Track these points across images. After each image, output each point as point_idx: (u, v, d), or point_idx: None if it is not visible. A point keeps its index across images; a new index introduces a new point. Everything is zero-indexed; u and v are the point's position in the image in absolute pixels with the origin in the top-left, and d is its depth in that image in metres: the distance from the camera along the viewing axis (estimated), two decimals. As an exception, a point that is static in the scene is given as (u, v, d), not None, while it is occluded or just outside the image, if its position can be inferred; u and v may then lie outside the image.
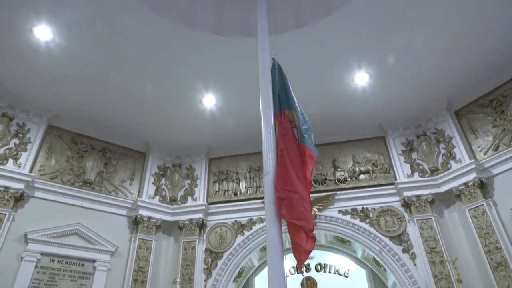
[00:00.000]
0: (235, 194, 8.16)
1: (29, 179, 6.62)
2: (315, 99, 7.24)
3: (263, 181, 3.01)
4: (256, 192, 8.06)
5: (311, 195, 7.91)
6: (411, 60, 6.53)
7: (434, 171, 7.27)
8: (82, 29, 5.86)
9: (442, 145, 7.43)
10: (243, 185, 8.26)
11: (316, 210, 7.42)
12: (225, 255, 7.44)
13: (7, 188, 6.37)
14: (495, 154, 6.54)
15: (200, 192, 8.22)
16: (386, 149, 7.95)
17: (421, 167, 7.46)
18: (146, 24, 5.78)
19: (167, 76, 6.78)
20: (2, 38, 5.93)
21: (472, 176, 6.55)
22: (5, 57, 6.26)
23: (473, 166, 6.58)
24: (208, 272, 7.31)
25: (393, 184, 7.40)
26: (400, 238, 6.91)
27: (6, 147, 6.78)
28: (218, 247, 7.54)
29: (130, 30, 5.90)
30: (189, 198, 8.19)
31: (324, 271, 7.94)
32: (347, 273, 7.89)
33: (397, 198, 7.29)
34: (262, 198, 7.14)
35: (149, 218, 7.57)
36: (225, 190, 8.24)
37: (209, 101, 7.32)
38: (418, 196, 7.05)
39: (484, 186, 6.50)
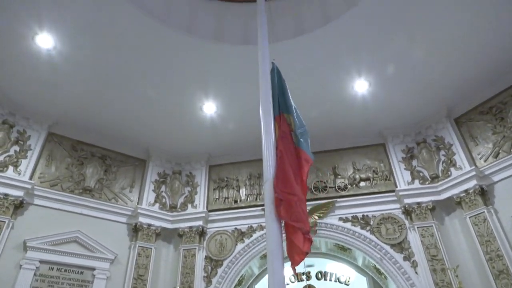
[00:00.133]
0: (235, 201, 8.14)
1: (29, 186, 6.61)
2: (315, 106, 7.26)
3: (263, 188, 3.01)
4: (256, 199, 8.04)
5: (311, 203, 7.98)
6: (411, 67, 6.56)
7: (434, 178, 7.26)
8: (83, 37, 5.90)
9: (442, 152, 7.43)
10: (243, 192, 8.24)
11: (316, 217, 7.40)
12: (225, 263, 7.40)
13: (6, 195, 6.35)
14: (495, 161, 6.53)
15: (200, 199, 8.20)
16: (386, 156, 7.95)
17: (421, 174, 7.45)
18: (147, 32, 5.82)
19: (168, 83, 6.81)
20: (4, 46, 5.97)
21: (473, 183, 6.54)
22: (6, 65, 6.30)
23: (473, 173, 6.57)
24: (208, 280, 7.26)
25: (393, 191, 7.38)
26: (401, 246, 6.87)
27: (6, 154, 6.78)
28: (218, 255, 7.50)
29: (131, 38, 5.94)
30: (189, 205, 8.17)
31: (325, 279, 7.89)
32: (348, 281, 7.83)
33: (397, 206, 7.27)
34: (262, 205, 7.12)
35: (149, 225, 7.55)
36: (225, 198, 8.23)
37: (209, 108, 7.34)
38: (418, 203, 7.03)
39: (484, 193, 6.48)
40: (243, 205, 8.04)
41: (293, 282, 7.83)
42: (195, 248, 7.53)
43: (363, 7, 5.56)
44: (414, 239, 6.83)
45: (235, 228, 7.74)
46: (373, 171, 7.82)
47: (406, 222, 7.07)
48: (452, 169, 7.10)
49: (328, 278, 7.90)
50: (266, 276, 3.30)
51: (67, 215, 6.96)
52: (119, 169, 8.12)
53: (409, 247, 6.81)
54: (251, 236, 7.58)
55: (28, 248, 6.30)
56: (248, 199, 8.11)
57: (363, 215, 7.31)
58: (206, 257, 7.52)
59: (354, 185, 7.75)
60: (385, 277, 7.10)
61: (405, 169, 7.59)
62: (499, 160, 6.47)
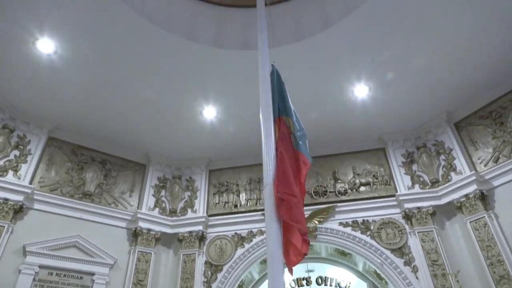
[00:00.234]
0: (235, 206, 8.12)
1: (29, 191, 6.61)
2: (315, 111, 7.28)
3: (263, 193, 3.01)
4: (256, 204, 8.03)
5: (311, 207, 7.97)
6: (410, 72, 6.58)
7: (434, 183, 7.26)
8: (84, 42, 5.93)
9: (442, 157, 7.43)
10: (243, 197, 8.23)
11: (316, 222, 7.38)
12: (225, 268, 7.37)
13: (6, 200, 6.35)
14: (495, 165, 6.53)
15: (200, 204, 8.19)
16: (386, 160, 7.95)
17: (421, 179, 7.44)
18: (147, 37, 5.85)
19: (168, 88, 6.83)
20: (4, 52, 5.99)
21: (473, 188, 6.53)
22: (7, 70, 6.31)
23: (473, 178, 6.56)
24: (207, 285, 7.22)
25: (393, 196, 7.37)
26: (401, 251, 6.85)
27: (6, 159, 6.78)
28: (218, 260, 7.47)
29: (132, 43, 5.96)
30: (189, 210, 8.15)
31: (325, 285, 7.83)
32: (349, 286, 7.78)
33: (398, 210, 7.25)
34: (262, 210, 7.11)
35: (149, 230, 7.53)
36: (225, 202, 8.21)
37: (209, 113, 7.35)
38: (419, 208, 7.02)
39: (485, 198, 6.47)
40: (243, 209, 8.02)
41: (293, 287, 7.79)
42: (195, 253, 7.50)
43: (362, 12, 5.58)
44: (414, 244, 6.81)
45: (235, 233, 7.72)
46: (373, 175, 7.82)
47: (407, 227, 7.05)
48: (452, 173, 7.09)
49: (328, 283, 7.84)
50: (266, 281, 3.29)
51: (66, 219, 6.94)
52: (119, 173, 8.11)
53: (409, 252, 6.79)
54: (251, 241, 7.56)
55: (27, 253, 6.28)
56: (248, 203, 8.10)
57: (363, 220, 7.29)
58: (206, 262, 7.49)
59: (354, 190, 7.74)
60: (385, 282, 7.07)
61: (405, 173, 7.59)
62: (499, 164, 6.47)
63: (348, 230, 7.26)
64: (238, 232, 7.71)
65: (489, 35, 5.94)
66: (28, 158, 7.01)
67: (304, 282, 7.64)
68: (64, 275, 6.50)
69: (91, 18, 5.56)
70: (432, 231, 6.77)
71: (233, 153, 8.45)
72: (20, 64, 6.19)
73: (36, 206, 6.75)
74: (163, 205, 8.16)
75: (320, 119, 7.48)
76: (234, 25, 6.23)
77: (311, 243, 7.30)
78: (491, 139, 6.80)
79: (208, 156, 8.63)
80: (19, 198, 6.46)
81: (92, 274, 6.71)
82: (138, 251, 7.25)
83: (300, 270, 7.93)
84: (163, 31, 5.77)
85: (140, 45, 5.99)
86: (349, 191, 7.75)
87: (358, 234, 7.17)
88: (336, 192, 7.77)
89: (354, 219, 7.34)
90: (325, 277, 7.92)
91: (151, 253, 7.35)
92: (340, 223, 7.37)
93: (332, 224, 7.39)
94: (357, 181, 7.80)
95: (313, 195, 7.75)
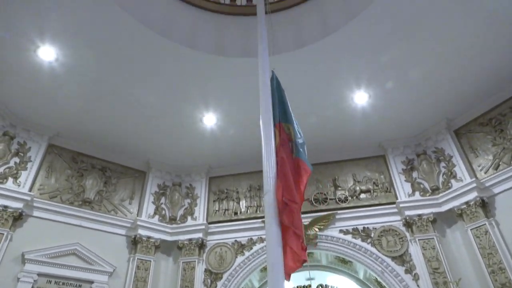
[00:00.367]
0: (235, 213, 8.09)
1: (28, 198, 6.59)
2: (315, 117, 7.29)
3: (264, 200, 3.01)
4: (256, 211, 8.00)
5: (312, 214, 7.94)
6: (410, 79, 6.60)
7: (435, 190, 7.24)
8: (85, 49, 5.95)
9: (442, 164, 7.43)
10: (243, 204, 8.21)
11: (317, 229, 7.35)
12: (225, 275, 7.32)
13: (6, 207, 6.33)
14: (495, 173, 6.53)
15: (200, 211, 8.16)
16: (386, 168, 7.94)
17: (422, 186, 7.43)
18: (148, 45, 5.88)
19: (168, 95, 6.85)
20: (6, 59, 6.02)
21: (473, 195, 6.51)
22: (8, 77, 6.34)
23: (474, 185, 6.55)
24: (207, 293, 7.19)
25: (394, 203, 7.35)
26: (402, 259, 6.82)
27: (6, 166, 6.78)
28: (218, 268, 7.43)
29: (132, 50, 5.99)
30: (189, 217, 8.12)
31: (326, 293, 7.81)
32: (349, 295, 7.75)
33: (398, 218, 7.23)
34: (262, 217, 7.08)
35: (148, 238, 7.49)
36: (225, 209, 8.19)
37: (209, 120, 7.36)
38: (419, 215, 7.00)
39: (485, 205, 6.45)
40: (243, 217, 7.99)
41: (293, 296, 7.74)
42: (195, 261, 7.46)
43: (362, 20, 5.62)
44: (415, 251, 6.77)
45: (235, 241, 7.68)
46: (374, 182, 7.80)
47: (407, 234, 7.02)
48: (452, 180, 7.08)
49: (329, 291, 7.82)
50: (267, 289, 3.28)
51: (66, 227, 6.91)
52: (119, 180, 8.10)
53: (410, 260, 6.75)
54: (251, 248, 7.52)
55: (26, 261, 6.24)
56: (248, 211, 8.08)
57: (363, 227, 7.27)
58: (205, 270, 7.45)
59: (355, 197, 7.72)
60: (386, 291, 7.02)
61: (405, 180, 7.57)
62: (500, 172, 6.46)
63: (349, 237, 7.23)
64: (238, 239, 7.68)
65: (489, 41, 5.97)
66: (28, 165, 7.01)
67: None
68: (63, 283, 6.45)
69: (92, 26, 5.60)
70: (433, 238, 6.74)
71: (233, 160, 8.45)
72: (21, 72, 6.21)
73: (36, 213, 6.73)
74: (163, 212, 8.13)
75: (320, 126, 7.49)
76: (234, 33, 6.27)
77: (311, 250, 7.29)
78: (491, 146, 6.80)
79: (208, 163, 8.63)
80: (19, 205, 6.44)
81: (91, 282, 6.67)
82: (138, 258, 7.21)
83: (300, 278, 7.89)
84: (163, 39, 5.80)
85: (141, 53, 6.02)
86: (349, 198, 7.73)
87: (358, 241, 7.14)
88: (337, 199, 7.75)
89: (355, 227, 7.31)
90: (325, 285, 7.89)
91: (150, 261, 7.31)
92: (341, 231, 7.34)
93: (333, 232, 7.35)
94: (358, 188, 7.78)
95: (313, 202, 7.73)
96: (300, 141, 3.42)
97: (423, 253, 6.66)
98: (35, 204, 6.73)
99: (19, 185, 6.70)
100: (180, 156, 8.40)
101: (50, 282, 6.37)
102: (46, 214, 6.82)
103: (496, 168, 6.57)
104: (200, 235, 7.69)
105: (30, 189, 6.81)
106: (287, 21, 6.18)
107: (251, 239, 7.62)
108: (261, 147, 3.24)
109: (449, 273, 6.33)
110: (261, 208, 7.95)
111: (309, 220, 7.38)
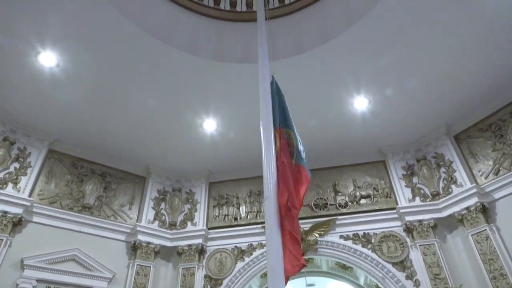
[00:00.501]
0: (235, 219, 8.07)
1: (28, 203, 6.57)
2: (315, 123, 7.30)
3: (264, 206, 3.01)
4: (256, 216, 7.98)
5: (312, 220, 7.93)
6: (410, 85, 6.61)
7: (435, 195, 7.23)
8: (86, 55, 5.98)
9: (442, 169, 7.42)
10: (243, 209, 8.19)
11: (317, 235, 7.33)
12: (225, 282, 7.28)
13: (5, 212, 6.31)
14: (496, 178, 6.52)
15: (200, 216, 8.14)
16: (386, 173, 7.93)
17: (422, 191, 7.42)
18: (148, 50, 5.90)
19: (168, 100, 6.86)
20: (6, 65, 6.04)
21: (474, 200, 6.50)
22: (8, 83, 6.35)
23: (474, 190, 6.54)
24: (207, 299, 7.15)
25: (394, 208, 7.34)
26: (403, 264, 6.79)
27: (6, 171, 6.77)
28: (217, 274, 7.39)
29: (133, 56, 6.01)
30: (189, 223, 8.10)
31: (326, 299, 7.77)
32: (350, 301, 7.71)
33: (399, 223, 7.21)
34: (263, 223, 7.05)
35: (148, 243, 7.47)
36: (225, 215, 8.17)
37: (209, 125, 7.37)
38: (420, 221, 6.98)
39: (486, 211, 6.44)
40: (243, 222, 7.97)
41: (294, 302, 7.71)
42: (195, 267, 7.43)
43: (362, 26, 5.65)
44: (416, 257, 6.74)
45: (235, 246, 7.65)
46: (374, 188, 7.79)
47: (408, 240, 7.00)
48: (453, 186, 7.07)
49: (329, 297, 7.78)
50: (267, 296, 3.26)
51: (65, 232, 6.89)
52: (118, 186, 8.09)
53: (411, 266, 6.72)
54: (251, 254, 7.50)
55: (25, 267, 6.21)
56: (248, 216, 8.05)
57: (364, 233, 7.24)
58: (205, 276, 7.41)
59: (355, 203, 7.70)
60: (387, 297, 6.98)
61: (405, 186, 7.56)
62: (500, 177, 6.45)
63: (349, 243, 7.20)
64: (238, 245, 7.65)
65: (489, 47, 5.99)
66: (28, 171, 7.00)
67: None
68: (62, 289, 6.43)
69: (92, 32, 5.62)
70: (434, 244, 6.72)
71: (233, 166, 8.45)
72: (21, 77, 6.23)
73: (35, 219, 6.71)
74: (163, 218, 8.11)
75: (320, 131, 7.50)
76: (234, 38, 6.30)
77: (311, 256, 7.26)
78: (491, 151, 6.80)
79: (208, 169, 8.62)
80: (18, 210, 6.43)
81: (91, 288, 6.64)
82: (137, 264, 7.18)
83: (301, 284, 7.86)
84: (164, 45, 5.82)
85: (141, 59, 6.04)
86: (349, 203, 7.71)
87: (359, 247, 7.12)
88: (337, 205, 7.73)
89: (355, 232, 7.29)
90: (326, 291, 7.85)
91: (150, 267, 7.28)
92: (341, 236, 7.31)
93: (333, 237, 7.33)
94: (358, 193, 7.77)
95: (314, 207, 7.72)
96: (300, 147, 3.43)
97: (424, 259, 6.63)
98: (34, 210, 6.71)
99: (19, 191, 6.69)
100: (180, 161, 8.40)
101: (49, 288, 6.34)
102: (46, 220, 6.80)
103: (497, 174, 6.57)
104: (200, 240, 7.66)
105: (30, 195, 6.80)
106: (287, 27, 6.21)
107: (251, 244, 7.60)
108: (261, 152, 3.24)
109: (450, 279, 6.30)
110: (261, 214, 7.93)
111: (309, 225, 7.36)
